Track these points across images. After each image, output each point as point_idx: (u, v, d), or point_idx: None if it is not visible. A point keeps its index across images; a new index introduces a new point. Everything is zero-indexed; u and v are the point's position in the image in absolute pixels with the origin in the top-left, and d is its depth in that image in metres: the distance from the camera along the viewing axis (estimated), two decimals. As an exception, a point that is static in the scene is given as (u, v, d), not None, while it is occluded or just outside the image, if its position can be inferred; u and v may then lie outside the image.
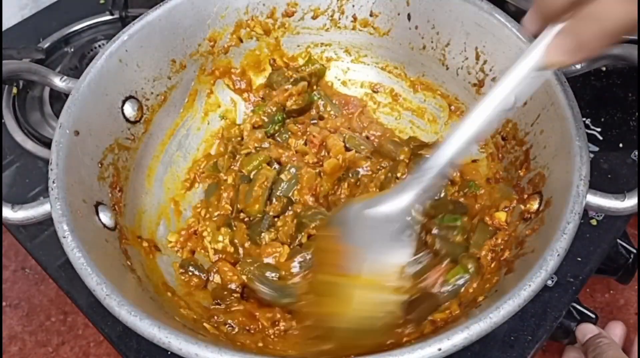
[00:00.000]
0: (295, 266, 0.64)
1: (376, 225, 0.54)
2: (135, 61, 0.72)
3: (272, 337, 0.60)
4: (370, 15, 0.82)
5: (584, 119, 0.74)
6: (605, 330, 0.71)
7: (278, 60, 0.86)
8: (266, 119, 0.80)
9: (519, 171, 0.68)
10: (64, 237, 0.54)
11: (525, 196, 0.65)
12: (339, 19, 0.83)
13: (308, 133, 0.79)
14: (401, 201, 0.54)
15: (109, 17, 1.04)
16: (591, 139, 0.82)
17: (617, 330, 0.71)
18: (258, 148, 0.78)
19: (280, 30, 0.83)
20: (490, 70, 0.73)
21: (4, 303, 1.00)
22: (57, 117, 0.66)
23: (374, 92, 0.85)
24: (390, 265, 0.53)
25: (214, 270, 0.67)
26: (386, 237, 0.53)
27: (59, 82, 0.69)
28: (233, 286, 0.66)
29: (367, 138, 0.81)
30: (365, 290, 0.51)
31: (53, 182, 0.58)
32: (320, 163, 0.76)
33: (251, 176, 0.75)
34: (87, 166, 0.64)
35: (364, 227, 0.54)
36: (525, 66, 0.49)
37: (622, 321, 0.77)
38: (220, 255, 0.69)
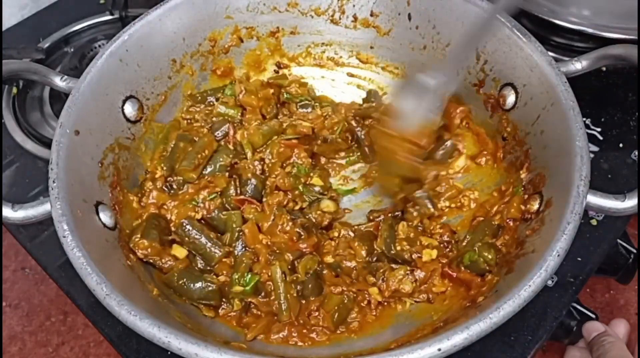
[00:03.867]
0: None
1: (420, 93, 0.69)
2: (136, 61, 0.72)
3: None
4: (371, 15, 0.82)
5: (584, 119, 0.74)
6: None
7: (281, 61, 0.86)
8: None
9: (520, 172, 0.68)
10: (64, 237, 0.54)
11: (526, 196, 0.65)
12: (340, 18, 0.83)
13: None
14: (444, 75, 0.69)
15: (109, 17, 1.04)
16: (591, 139, 0.82)
17: (620, 328, 0.71)
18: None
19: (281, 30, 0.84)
20: (491, 70, 0.73)
21: (4, 303, 1.00)
22: (57, 117, 0.66)
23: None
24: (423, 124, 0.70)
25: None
26: (424, 104, 0.69)
27: (60, 81, 0.69)
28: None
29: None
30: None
31: (53, 181, 0.58)
32: None
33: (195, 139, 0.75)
34: (87, 165, 0.64)
35: (413, 94, 0.70)
36: None
37: (622, 321, 0.77)
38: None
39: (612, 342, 0.66)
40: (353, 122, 0.79)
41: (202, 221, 0.70)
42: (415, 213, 0.71)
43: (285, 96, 0.81)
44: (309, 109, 0.80)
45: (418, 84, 0.69)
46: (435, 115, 0.70)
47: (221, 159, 0.73)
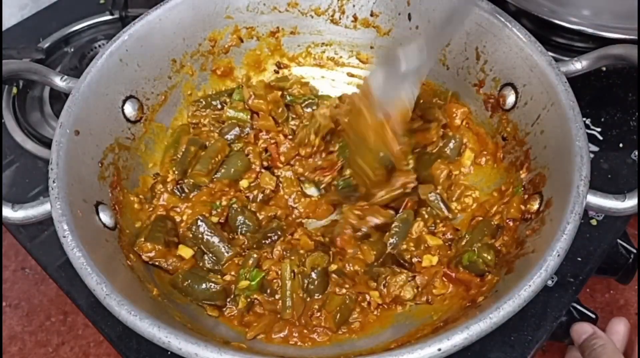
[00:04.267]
0: None
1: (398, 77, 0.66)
2: (136, 61, 0.72)
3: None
4: (371, 15, 0.82)
5: (584, 119, 0.74)
6: (607, 328, 0.70)
7: (281, 61, 0.86)
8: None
9: (520, 172, 0.68)
10: (64, 237, 0.54)
11: (526, 196, 0.65)
12: (340, 18, 0.83)
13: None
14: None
15: (109, 17, 1.04)
16: (591, 139, 0.82)
17: (619, 327, 0.70)
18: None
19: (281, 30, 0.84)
20: (491, 70, 0.73)
21: (4, 303, 1.00)
22: (57, 117, 0.66)
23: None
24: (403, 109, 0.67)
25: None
26: (401, 87, 0.66)
27: (60, 81, 0.69)
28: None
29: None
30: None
31: (53, 181, 0.58)
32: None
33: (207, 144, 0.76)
34: (87, 165, 0.64)
35: (390, 78, 0.66)
36: None
37: (622, 321, 0.76)
38: None
39: (603, 345, 0.64)
40: None
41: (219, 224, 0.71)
42: (427, 216, 0.71)
43: (288, 98, 0.81)
44: (315, 108, 0.80)
45: (395, 69, 0.66)
46: (412, 98, 0.68)
47: (236, 164, 0.74)
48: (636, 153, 0.81)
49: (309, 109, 0.81)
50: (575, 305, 0.72)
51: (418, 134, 0.76)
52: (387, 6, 0.80)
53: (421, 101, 0.79)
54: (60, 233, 0.55)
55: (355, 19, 0.83)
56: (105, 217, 0.63)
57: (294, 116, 0.81)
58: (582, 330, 0.67)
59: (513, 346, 0.65)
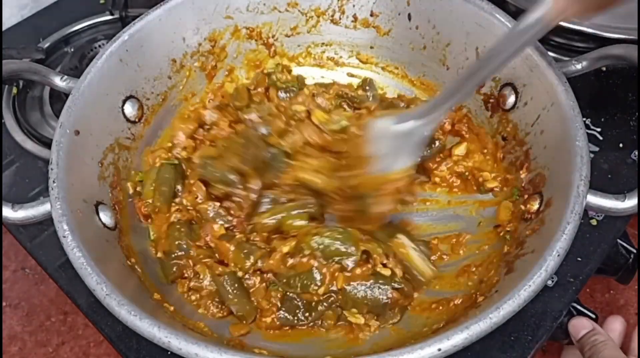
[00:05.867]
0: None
1: (399, 138, 0.63)
2: (136, 61, 0.72)
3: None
4: (371, 15, 0.82)
5: (584, 119, 0.74)
6: (604, 325, 0.70)
7: (281, 61, 0.86)
8: None
9: (520, 172, 0.68)
10: (64, 237, 0.54)
11: (526, 196, 0.65)
12: (340, 18, 0.83)
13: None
14: (427, 119, 0.62)
15: (109, 17, 1.04)
16: (591, 139, 0.82)
17: (616, 325, 0.70)
18: None
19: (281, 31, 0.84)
20: (491, 70, 0.73)
21: (4, 303, 1.00)
22: (57, 117, 0.66)
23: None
24: (401, 169, 0.64)
25: None
26: (404, 147, 0.63)
27: (60, 81, 0.69)
28: None
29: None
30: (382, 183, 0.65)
31: (53, 181, 0.58)
32: None
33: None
34: (87, 165, 0.64)
35: (388, 139, 0.64)
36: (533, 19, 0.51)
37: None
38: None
39: (604, 342, 0.64)
40: (346, 106, 0.78)
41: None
42: None
43: (270, 79, 0.80)
44: (291, 94, 0.79)
45: (398, 132, 0.63)
46: (416, 158, 0.64)
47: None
48: (636, 153, 0.81)
49: (283, 95, 0.79)
50: (575, 305, 0.72)
51: None
52: (387, 6, 0.80)
53: None
54: (60, 233, 0.55)
55: (355, 19, 0.83)
56: (105, 217, 0.63)
57: (267, 101, 0.79)
58: (581, 325, 0.67)
59: (513, 346, 0.65)
